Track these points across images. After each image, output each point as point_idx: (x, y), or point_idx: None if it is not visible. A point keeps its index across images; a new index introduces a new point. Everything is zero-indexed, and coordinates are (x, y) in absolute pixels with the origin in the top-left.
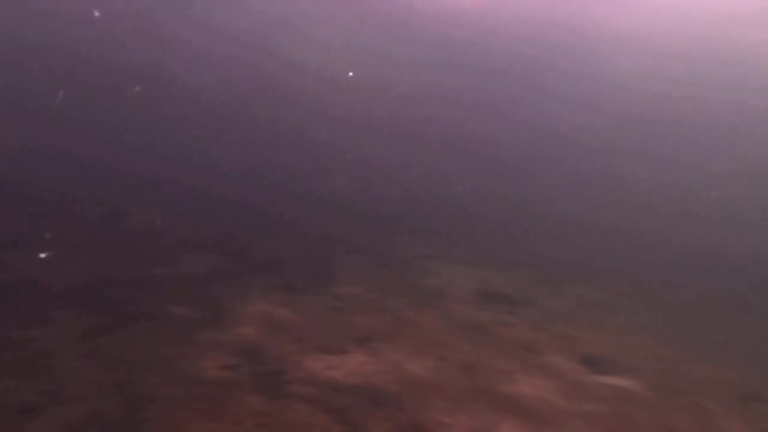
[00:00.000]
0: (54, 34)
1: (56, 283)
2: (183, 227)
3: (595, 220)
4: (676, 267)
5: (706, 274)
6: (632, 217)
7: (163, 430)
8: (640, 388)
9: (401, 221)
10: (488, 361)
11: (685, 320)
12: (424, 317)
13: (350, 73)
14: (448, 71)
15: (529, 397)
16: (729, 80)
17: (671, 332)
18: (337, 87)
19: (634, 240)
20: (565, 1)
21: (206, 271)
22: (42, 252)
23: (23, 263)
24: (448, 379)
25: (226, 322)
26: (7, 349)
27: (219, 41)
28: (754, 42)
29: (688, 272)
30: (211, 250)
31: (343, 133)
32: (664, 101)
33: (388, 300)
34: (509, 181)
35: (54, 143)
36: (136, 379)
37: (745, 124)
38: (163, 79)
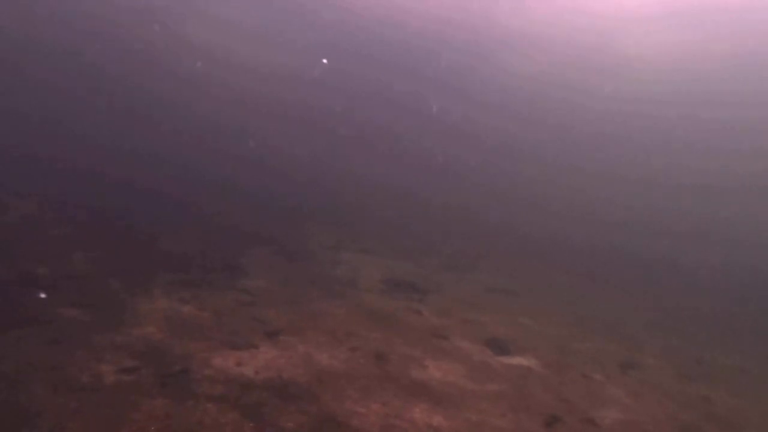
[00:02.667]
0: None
1: None
2: (72, 217)
3: (487, 214)
4: (560, 255)
5: (584, 262)
6: (519, 211)
7: None
8: (537, 365)
9: (308, 212)
10: (399, 349)
11: (570, 302)
12: (334, 308)
13: (324, 60)
14: (347, 60)
15: (439, 381)
16: (609, 89)
17: (559, 314)
18: (243, 73)
19: (525, 233)
20: (469, 2)
21: (101, 267)
22: None
23: None
24: (360, 368)
25: (124, 323)
26: None
27: (119, 13)
28: (633, 55)
29: (568, 261)
30: (106, 243)
31: (242, 118)
32: (553, 105)
33: (297, 292)
34: (411, 174)
35: None
36: (22, 389)
37: (620, 131)
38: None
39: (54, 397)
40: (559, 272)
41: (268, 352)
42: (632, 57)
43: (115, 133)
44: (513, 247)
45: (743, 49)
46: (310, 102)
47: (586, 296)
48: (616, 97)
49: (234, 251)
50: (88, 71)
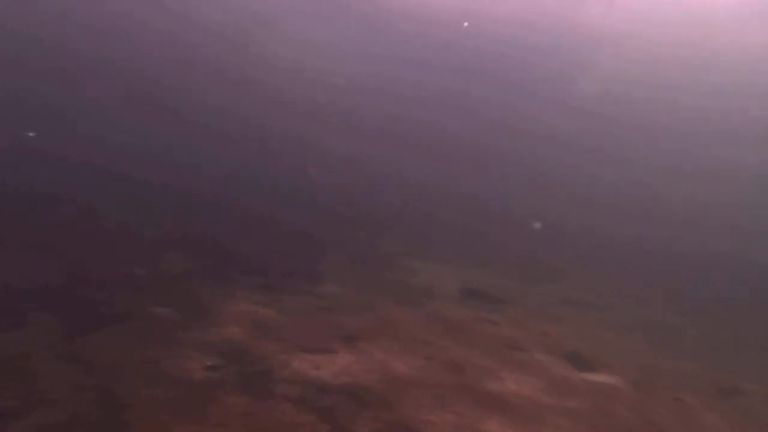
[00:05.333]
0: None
1: (32, 284)
2: (162, 226)
3: (567, 220)
4: (645, 265)
5: (674, 273)
6: (602, 217)
7: None
8: (621, 383)
9: (380, 222)
10: (474, 359)
11: (656, 317)
12: (409, 316)
13: (465, 24)
14: (425, 69)
15: (514, 395)
16: (706, 85)
17: (647, 329)
18: (313, 85)
19: (605, 240)
20: (553, 4)
21: (188, 271)
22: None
23: (1, 264)
24: (434, 377)
25: (210, 323)
26: None
27: (192, 33)
28: (731, 47)
29: (657, 271)
30: (192, 249)
31: (318, 131)
32: (645, 105)
33: (373, 299)
34: (482, 181)
35: (19, 141)
36: (116, 381)
37: (725, 128)
38: (142, 75)
39: (146, 389)
40: (643, 283)
41: (345, 357)
42: (730, 51)
43: (199, 155)
44: (593, 254)
45: None
46: (386, 112)
47: (672, 309)
48: (715, 92)
49: (311, 258)
50: (170, 94)
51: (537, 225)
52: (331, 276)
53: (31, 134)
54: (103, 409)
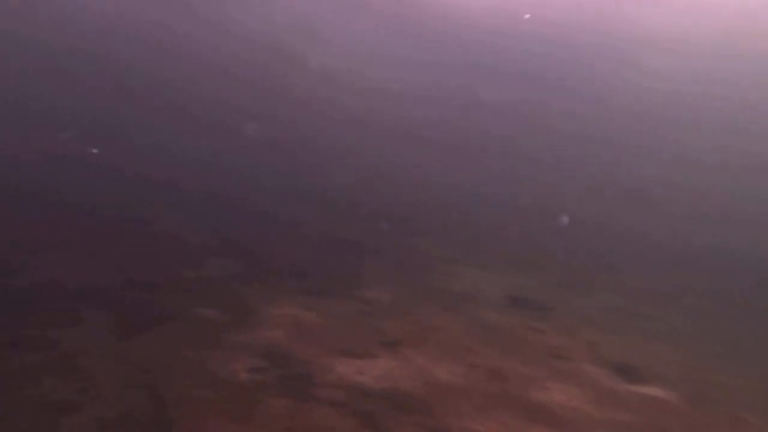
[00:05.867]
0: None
1: (86, 284)
2: (205, 231)
3: (614, 223)
4: (695, 270)
5: (725, 278)
6: (650, 219)
7: None
8: (674, 397)
9: (421, 224)
10: (518, 368)
11: (712, 326)
12: (452, 322)
13: (527, 16)
14: (462, 73)
15: (561, 405)
16: (760, 77)
17: (700, 339)
18: (348, 89)
19: (652, 242)
20: (597, 3)
21: (231, 274)
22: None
23: (51, 265)
24: (477, 385)
25: (253, 325)
26: (42, 349)
27: (234, 44)
28: None
29: (708, 275)
30: (234, 253)
31: (358, 137)
32: (694, 101)
33: (415, 304)
34: (527, 184)
35: (68, 148)
36: (165, 380)
37: None
38: (177, 82)
39: (192, 389)
40: (697, 290)
41: (387, 362)
42: None
43: (247, 162)
44: (645, 259)
45: None
46: (427, 117)
47: (728, 319)
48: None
49: (354, 262)
50: (218, 107)
51: (564, 219)
52: (374, 280)
53: (94, 150)
54: (152, 406)
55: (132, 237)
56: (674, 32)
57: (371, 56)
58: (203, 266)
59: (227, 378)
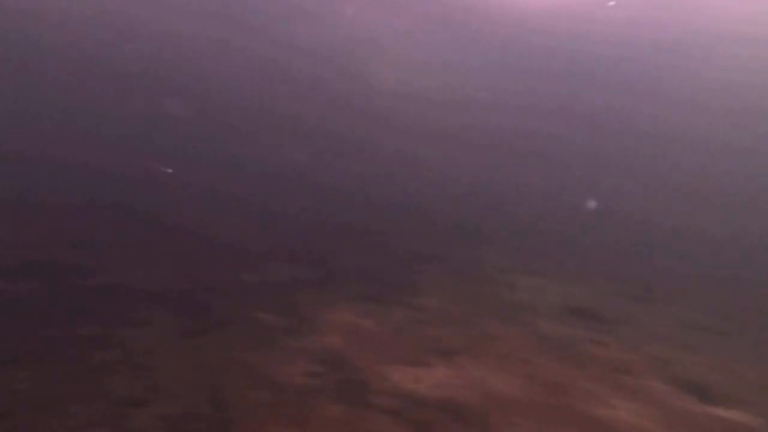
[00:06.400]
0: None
1: (156, 287)
2: (267, 238)
3: (688, 228)
4: None
5: None
6: (738, 222)
7: None
8: (760, 425)
9: (481, 234)
10: (579, 382)
11: None
12: (509, 332)
13: (611, 3)
14: (532, 79)
15: (629, 425)
16: None
17: None
18: (413, 100)
19: (734, 252)
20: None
21: (290, 279)
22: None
23: (122, 269)
24: (535, 398)
25: (310, 330)
26: (114, 347)
27: (295, 57)
28: None
29: None
30: (294, 259)
31: (422, 145)
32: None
33: (471, 313)
34: (605, 191)
35: (144, 166)
36: (226, 381)
37: None
38: (243, 93)
39: (251, 391)
40: None
41: (443, 371)
42: None
43: (300, 170)
44: (721, 272)
45: None
46: (498, 124)
47: None
48: None
49: (409, 270)
50: (285, 118)
51: (591, 204)
52: (431, 288)
53: (169, 170)
54: (213, 407)
55: (197, 244)
56: (761, 22)
57: (433, 66)
58: (264, 272)
59: (285, 382)
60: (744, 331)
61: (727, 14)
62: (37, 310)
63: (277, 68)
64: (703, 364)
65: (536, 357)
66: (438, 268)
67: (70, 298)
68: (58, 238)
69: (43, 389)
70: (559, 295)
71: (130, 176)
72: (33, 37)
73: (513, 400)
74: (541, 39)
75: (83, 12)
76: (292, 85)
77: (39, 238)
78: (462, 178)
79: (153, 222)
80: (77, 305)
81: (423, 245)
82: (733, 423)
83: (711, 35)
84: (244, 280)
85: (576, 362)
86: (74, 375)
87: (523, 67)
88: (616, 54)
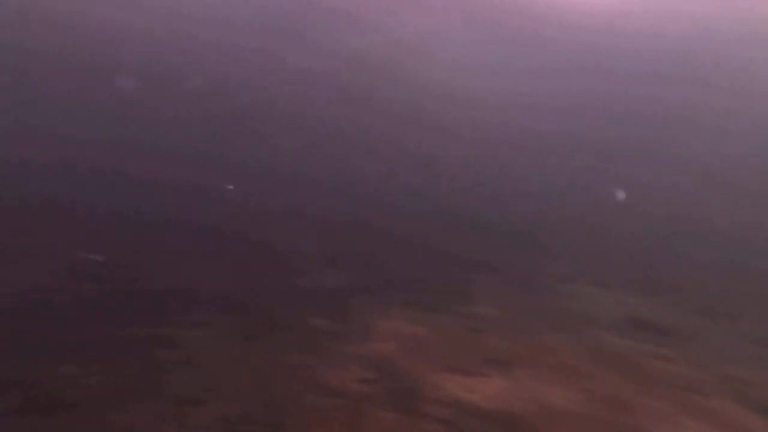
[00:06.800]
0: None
1: (215, 291)
2: (322, 246)
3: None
4: None
5: None
6: None
7: None
8: None
9: (540, 241)
10: (643, 399)
11: None
12: (567, 344)
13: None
14: (596, 79)
15: None
16: None
17: None
18: (463, 104)
19: None
20: None
21: (344, 285)
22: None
23: (188, 273)
24: (596, 414)
25: (364, 336)
26: (175, 347)
27: (341, 66)
28: None
29: None
30: (348, 266)
31: (476, 151)
32: None
33: (528, 323)
34: (668, 194)
35: (207, 181)
36: (280, 384)
37: None
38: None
39: (304, 395)
40: None
41: (498, 382)
42: None
43: (353, 179)
44: None
45: None
46: (550, 127)
47: None
48: None
49: (465, 278)
50: (339, 128)
51: (620, 195)
52: (486, 297)
53: (230, 187)
54: (267, 409)
55: (256, 251)
56: None
57: (486, 69)
58: (318, 278)
59: (338, 387)
60: None
61: None
62: (107, 310)
63: (326, 79)
64: None
65: (597, 371)
66: (492, 276)
67: (138, 301)
68: (129, 246)
69: (109, 385)
70: (618, 306)
71: (197, 189)
72: (108, 57)
73: (572, 415)
74: (601, 38)
75: (153, 33)
76: (338, 94)
77: (111, 246)
78: (517, 183)
79: (214, 231)
80: (144, 307)
81: (477, 252)
82: None
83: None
84: (299, 286)
85: (640, 378)
86: (138, 373)
87: (578, 68)
88: (679, 49)
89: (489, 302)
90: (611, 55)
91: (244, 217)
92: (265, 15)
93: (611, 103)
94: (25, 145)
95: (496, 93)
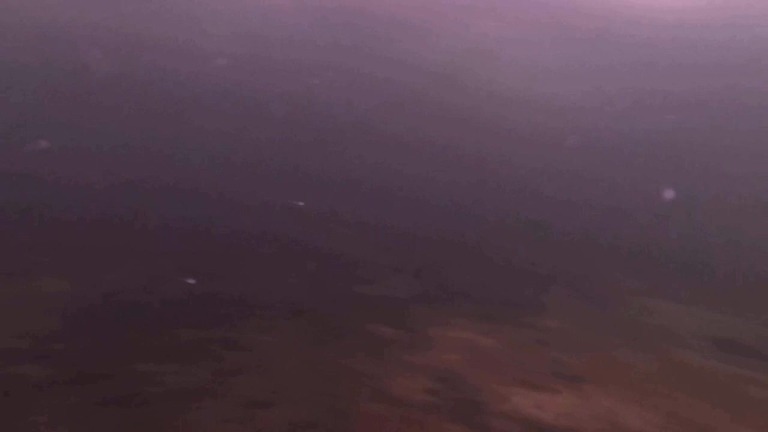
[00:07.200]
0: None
1: (283, 298)
2: (387, 254)
3: None
4: None
5: None
6: None
7: None
8: None
9: (615, 252)
10: (736, 428)
11: None
12: (644, 362)
13: None
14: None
15: None
16: None
17: None
18: (535, 109)
19: None
20: None
21: (409, 294)
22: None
23: (259, 281)
24: None
25: (428, 346)
26: (243, 350)
27: (411, 77)
28: None
29: None
30: (413, 273)
31: (544, 157)
32: None
33: (601, 338)
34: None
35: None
36: (344, 391)
37: None
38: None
39: (369, 403)
40: None
41: (569, 399)
42: None
43: (412, 186)
44: None
45: None
46: (615, 129)
47: None
48: None
49: (536, 289)
50: (408, 139)
51: (669, 194)
52: (557, 309)
53: (300, 203)
54: (332, 415)
55: (322, 260)
56: None
57: (563, 75)
58: (383, 286)
59: (402, 397)
60: None
61: None
62: (185, 314)
63: (396, 91)
64: None
65: (677, 392)
66: (563, 287)
67: (212, 306)
68: (203, 257)
69: (182, 384)
70: (704, 323)
71: (269, 205)
72: (189, 78)
73: None
74: (675, 33)
75: (220, 49)
76: (412, 107)
77: (188, 257)
78: (588, 191)
79: (285, 242)
80: (217, 311)
81: (547, 262)
82: None
83: None
84: (364, 294)
85: (729, 403)
86: (210, 374)
87: (656, 65)
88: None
89: (559, 314)
90: (693, 49)
91: (315, 229)
92: (337, 32)
93: (697, 98)
94: (121, 165)
95: (568, 96)
